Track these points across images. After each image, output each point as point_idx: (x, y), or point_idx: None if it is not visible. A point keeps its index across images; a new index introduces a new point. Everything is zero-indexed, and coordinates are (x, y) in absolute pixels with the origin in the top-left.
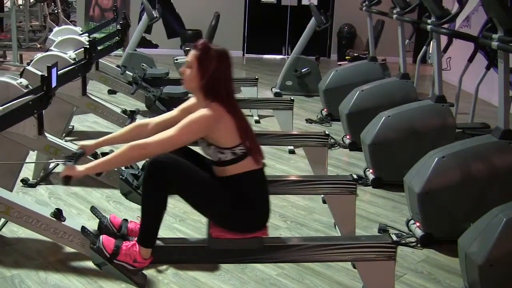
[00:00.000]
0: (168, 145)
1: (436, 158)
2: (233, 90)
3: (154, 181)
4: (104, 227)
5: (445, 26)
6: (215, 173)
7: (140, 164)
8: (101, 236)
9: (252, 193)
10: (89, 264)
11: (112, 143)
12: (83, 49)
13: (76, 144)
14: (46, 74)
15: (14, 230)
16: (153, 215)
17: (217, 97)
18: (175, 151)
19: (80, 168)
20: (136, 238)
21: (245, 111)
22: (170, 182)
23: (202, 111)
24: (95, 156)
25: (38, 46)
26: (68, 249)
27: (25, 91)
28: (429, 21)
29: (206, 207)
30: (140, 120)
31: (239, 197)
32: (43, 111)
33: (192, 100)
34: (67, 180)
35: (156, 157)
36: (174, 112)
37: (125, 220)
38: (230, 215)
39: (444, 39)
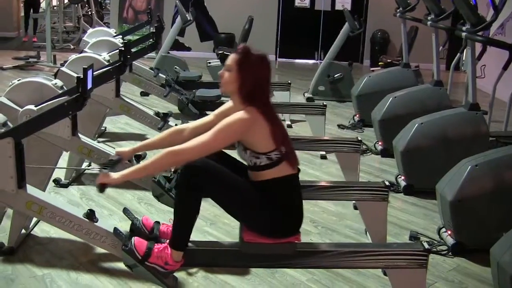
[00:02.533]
0: (204, 150)
1: (469, 166)
2: (270, 95)
3: (188, 186)
4: (136, 229)
5: (480, 33)
6: (250, 177)
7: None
8: (133, 238)
9: (286, 198)
10: (120, 265)
11: (149, 149)
12: (117, 51)
13: (109, 145)
14: (81, 76)
15: (45, 230)
16: (186, 219)
17: (254, 101)
18: (210, 155)
19: (116, 175)
20: (168, 241)
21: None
22: (204, 187)
23: (238, 115)
24: (130, 161)
25: (72, 47)
26: (99, 250)
27: (60, 92)
28: (464, 28)
29: (239, 211)
30: (176, 126)
31: (273, 202)
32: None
33: (228, 104)
34: (103, 188)
35: (190, 162)
36: (210, 117)
37: (157, 222)
38: (263, 220)
39: (478, 47)
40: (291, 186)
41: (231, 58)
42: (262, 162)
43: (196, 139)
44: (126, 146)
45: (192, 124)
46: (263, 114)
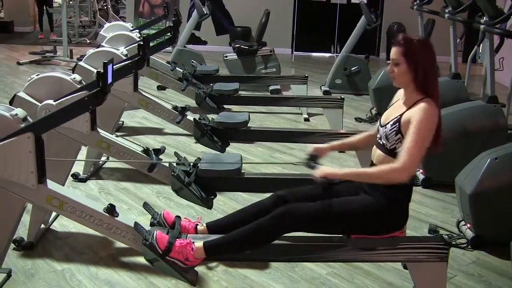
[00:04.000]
0: (420, 155)
1: (489, 160)
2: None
3: (277, 231)
4: (156, 224)
5: (498, 26)
6: (378, 162)
7: (190, 160)
8: (155, 232)
9: (406, 195)
10: (140, 259)
11: (345, 149)
12: (134, 45)
13: (127, 140)
14: (102, 70)
15: (65, 224)
16: (249, 246)
17: (427, 90)
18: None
19: (339, 170)
20: (190, 237)
21: (295, 109)
22: (300, 229)
23: (426, 109)
24: (147, 152)
25: (88, 41)
26: (118, 244)
27: (79, 86)
28: (482, 20)
29: (352, 227)
30: (368, 131)
31: (394, 195)
32: None
33: (397, 96)
34: (324, 180)
35: (289, 210)
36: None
37: (178, 217)
38: (375, 220)
39: (496, 39)
40: (412, 186)
41: (395, 51)
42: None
43: (406, 152)
44: (144, 140)
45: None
46: (438, 106)
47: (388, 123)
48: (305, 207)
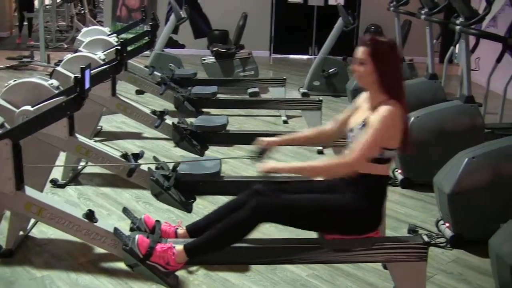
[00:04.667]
0: (370, 152)
1: (466, 159)
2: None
3: (253, 221)
4: (136, 229)
5: (473, 26)
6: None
7: (170, 165)
8: (136, 236)
9: (379, 196)
10: (120, 265)
11: (295, 143)
12: (112, 49)
13: (106, 145)
14: (79, 76)
15: (44, 231)
16: (227, 242)
17: (393, 91)
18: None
19: (283, 164)
20: (170, 241)
21: (273, 112)
22: (275, 221)
23: (389, 108)
24: (126, 156)
25: (65, 46)
26: (98, 250)
27: (57, 92)
28: (457, 21)
29: (330, 223)
30: (320, 126)
31: (367, 197)
32: None
33: (362, 97)
34: (269, 174)
35: (263, 199)
36: (347, 112)
37: (158, 221)
38: (349, 220)
39: (472, 40)
40: (385, 187)
41: (362, 50)
42: (375, 155)
43: (357, 146)
44: (123, 145)
45: (335, 121)
46: (404, 109)
47: (355, 127)
48: (281, 198)
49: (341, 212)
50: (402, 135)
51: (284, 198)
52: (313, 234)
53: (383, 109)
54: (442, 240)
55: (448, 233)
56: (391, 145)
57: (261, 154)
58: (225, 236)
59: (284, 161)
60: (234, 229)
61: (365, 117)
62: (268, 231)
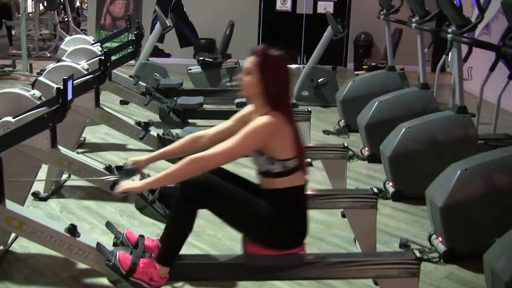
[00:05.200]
0: (229, 156)
1: (459, 171)
2: (291, 98)
3: (186, 201)
4: (119, 244)
5: (466, 35)
6: (261, 184)
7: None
8: (118, 252)
9: (295, 209)
10: (103, 281)
11: (166, 157)
12: (96, 59)
13: (89, 157)
14: (61, 87)
15: (25, 246)
16: (179, 234)
17: (277, 105)
18: (211, 171)
19: (139, 183)
20: (154, 256)
21: None
22: (206, 201)
23: (263, 119)
24: (110, 170)
25: (48, 55)
26: (81, 265)
27: (38, 103)
28: (449, 30)
29: (244, 223)
30: (193, 133)
31: (282, 212)
32: None
33: (247, 109)
34: (126, 195)
35: (192, 177)
36: (229, 122)
37: (142, 236)
38: (270, 231)
39: (464, 48)
40: (300, 197)
41: (251, 60)
42: (276, 169)
43: (220, 145)
44: (107, 157)
45: (210, 131)
46: (288, 119)
47: None
48: (210, 177)
49: (259, 218)
50: (293, 143)
51: (213, 179)
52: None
53: (257, 120)
54: (435, 255)
55: (441, 247)
56: (282, 156)
57: (131, 173)
58: (173, 229)
59: None
60: (175, 217)
61: None
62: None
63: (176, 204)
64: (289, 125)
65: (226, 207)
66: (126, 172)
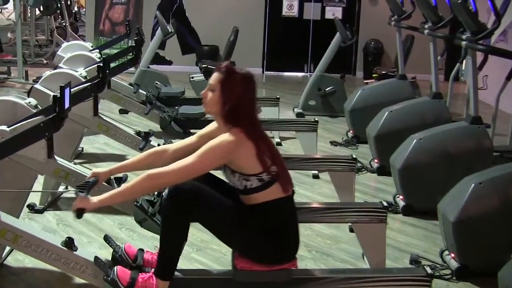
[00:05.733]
0: (188, 173)
1: (473, 184)
2: (256, 114)
3: (175, 209)
4: (118, 258)
5: (481, 42)
6: (242, 201)
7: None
8: (115, 267)
9: (280, 222)
10: None
11: (127, 170)
12: (94, 66)
13: (87, 168)
14: (58, 95)
15: (20, 259)
16: (172, 246)
17: (238, 122)
18: (198, 177)
19: (93, 200)
20: (153, 270)
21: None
22: (192, 210)
23: (222, 137)
24: (108, 181)
25: (45, 62)
26: (78, 280)
27: (34, 111)
28: (464, 36)
29: (231, 236)
30: (156, 147)
31: (266, 226)
32: None
33: (212, 126)
34: (80, 213)
35: (177, 185)
36: (193, 138)
37: (141, 250)
38: (256, 245)
39: (479, 56)
40: (284, 209)
41: (214, 77)
42: (253, 184)
43: (178, 163)
44: (106, 167)
45: (173, 145)
46: (248, 135)
47: None
48: (193, 186)
49: (246, 234)
50: (257, 158)
51: (200, 186)
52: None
53: (219, 137)
54: (447, 272)
55: (454, 264)
56: (251, 171)
57: (85, 188)
58: (166, 241)
59: None
60: (165, 229)
61: None
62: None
63: (163, 213)
64: (250, 141)
65: (211, 218)
66: (86, 186)
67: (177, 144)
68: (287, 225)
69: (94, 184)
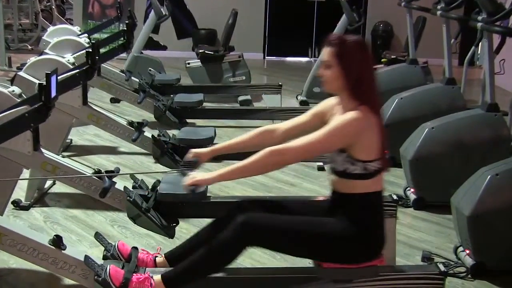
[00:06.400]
0: (312, 151)
1: (489, 176)
2: (378, 88)
3: (239, 244)
4: (110, 257)
5: (498, 23)
6: (333, 186)
7: (149, 184)
8: (108, 266)
9: (375, 216)
10: None
11: (231, 150)
12: (83, 52)
13: (76, 161)
14: (44, 83)
15: (4, 260)
16: (208, 270)
17: (365, 98)
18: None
19: (210, 175)
20: (147, 270)
21: (268, 123)
22: (264, 242)
23: (351, 115)
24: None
25: (29, 47)
26: (67, 281)
27: (19, 100)
28: (479, 18)
29: (318, 250)
30: (265, 126)
31: (360, 220)
32: None
33: (326, 103)
34: (195, 189)
35: (252, 218)
36: (305, 117)
37: (135, 248)
38: (347, 246)
39: (496, 38)
40: (380, 203)
41: (327, 52)
42: (356, 170)
43: (303, 139)
44: (96, 161)
45: (282, 125)
46: (376, 116)
47: None
48: (268, 217)
49: (335, 239)
50: (379, 143)
51: (273, 217)
52: (306, 262)
53: (345, 115)
54: (462, 269)
55: (469, 261)
56: (366, 157)
57: (191, 167)
58: (208, 261)
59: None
60: (218, 253)
61: None
62: (258, 257)
63: (227, 238)
64: (378, 123)
65: (291, 241)
66: (190, 165)
67: (287, 123)
68: (381, 220)
69: (197, 164)
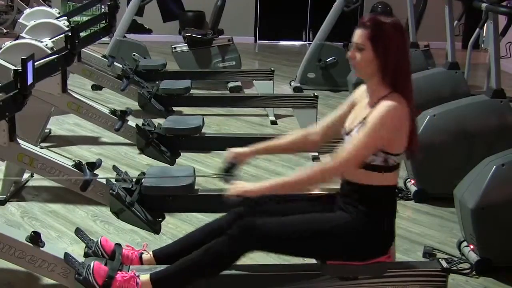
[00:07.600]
0: (360, 157)
1: (494, 166)
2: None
3: (237, 250)
4: (91, 254)
5: (504, 3)
6: (347, 176)
7: (132, 175)
8: (92, 262)
9: (388, 210)
10: None
11: (272, 152)
12: (62, 36)
13: (55, 152)
14: (20, 69)
15: None
16: (202, 274)
17: (397, 83)
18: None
19: (259, 186)
20: (132, 268)
21: (259, 110)
22: (265, 248)
23: (390, 106)
24: (80, 167)
25: (4, 31)
26: (46, 280)
27: None
28: None
29: (325, 248)
30: (303, 129)
31: (373, 213)
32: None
33: (358, 90)
34: (240, 201)
35: (252, 223)
36: (339, 111)
37: (119, 245)
38: (356, 241)
39: (502, 20)
40: (394, 198)
41: (360, 33)
42: (375, 161)
43: (347, 149)
44: (77, 152)
45: (319, 125)
46: (410, 106)
47: (353, 130)
48: (268, 221)
49: (340, 235)
50: (408, 137)
51: (273, 220)
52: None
53: (383, 107)
54: (466, 265)
55: (473, 257)
56: (395, 150)
57: (230, 170)
58: (204, 266)
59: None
60: (215, 258)
61: (365, 115)
62: (253, 255)
63: (225, 239)
64: (411, 115)
65: (296, 243)
66: (231, 167)
67: (323, 122)
68: (393, 214)
69: (235, 166)
